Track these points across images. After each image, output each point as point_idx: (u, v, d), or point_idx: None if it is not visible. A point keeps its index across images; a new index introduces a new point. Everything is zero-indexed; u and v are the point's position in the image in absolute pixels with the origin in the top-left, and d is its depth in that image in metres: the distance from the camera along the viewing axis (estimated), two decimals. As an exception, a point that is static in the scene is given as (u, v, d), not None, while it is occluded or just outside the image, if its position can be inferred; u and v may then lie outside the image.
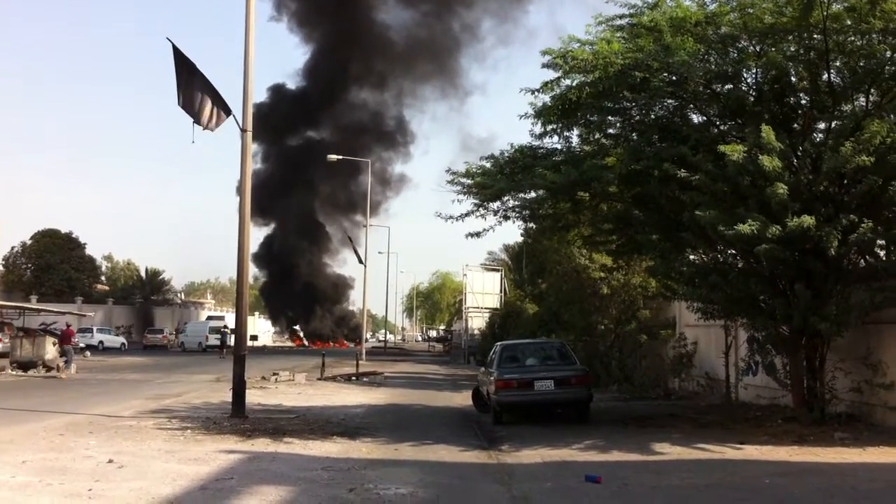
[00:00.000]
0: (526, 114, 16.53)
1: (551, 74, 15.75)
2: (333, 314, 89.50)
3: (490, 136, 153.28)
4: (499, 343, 21.32)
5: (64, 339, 34.43)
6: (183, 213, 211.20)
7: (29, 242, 76.50)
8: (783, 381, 16.03)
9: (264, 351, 62.69)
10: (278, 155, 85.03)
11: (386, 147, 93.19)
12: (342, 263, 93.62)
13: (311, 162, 79.69)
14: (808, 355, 15.13)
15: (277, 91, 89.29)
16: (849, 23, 13.87)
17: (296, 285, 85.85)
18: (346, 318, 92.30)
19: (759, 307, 15.01)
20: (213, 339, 59.94)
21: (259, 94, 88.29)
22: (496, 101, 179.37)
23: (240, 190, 18.07)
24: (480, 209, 17.73)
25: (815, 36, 14.20)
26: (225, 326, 61.02)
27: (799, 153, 14.30)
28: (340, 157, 57.03)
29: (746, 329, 17.92)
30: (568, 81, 15.75)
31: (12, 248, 76.48)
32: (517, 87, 17.03)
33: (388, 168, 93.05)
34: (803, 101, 15.49)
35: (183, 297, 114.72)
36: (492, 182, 16.84)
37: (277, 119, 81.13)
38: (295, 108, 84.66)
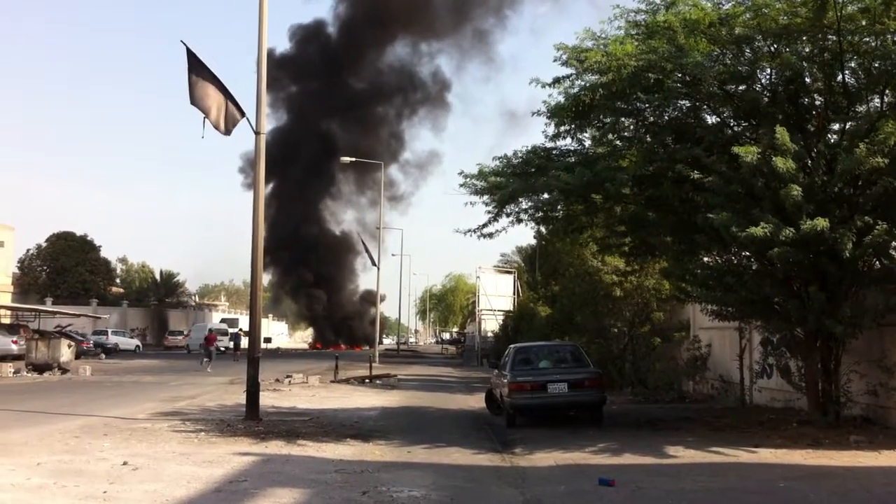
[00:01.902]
0: (539, 112, 16.54)
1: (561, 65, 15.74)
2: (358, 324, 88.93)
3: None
4: (512, 345, 21.29)
5: (208, 341, 40.52)
6: (197, 215, 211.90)
7: (44, 245, 76.92)
8: (798, 383, 15.95)
9: (278, 353, 62.79)
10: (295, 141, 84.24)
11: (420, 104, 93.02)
12: (361, 267, 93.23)
13: (328, 157, 80.00)
14: (822, 358, 15.05)
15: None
16: (863, 23, 13.79)
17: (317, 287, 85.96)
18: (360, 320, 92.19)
19: (773, 309, 14.93)
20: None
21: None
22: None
23: (253, 192, 18.10)
24: (496, 217, 17.72)
25: (830, 37, 14.13)
26: (239, 329, 61.20)
27: (813, 154, 14.22)
28: (353, 159, 57.10)
29: (761, 331, 17.85)
30: (580, 82, 15.74)
31: (28, 250, 76.96)
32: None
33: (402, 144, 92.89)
34: (818, 102, 15.40)
35: (197, 299, 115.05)
36: (505, 183, 16.81)
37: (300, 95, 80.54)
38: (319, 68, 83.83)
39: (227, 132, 17.08)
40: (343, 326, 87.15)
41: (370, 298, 79.11)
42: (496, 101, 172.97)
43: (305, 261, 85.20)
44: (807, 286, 14.09)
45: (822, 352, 15.01)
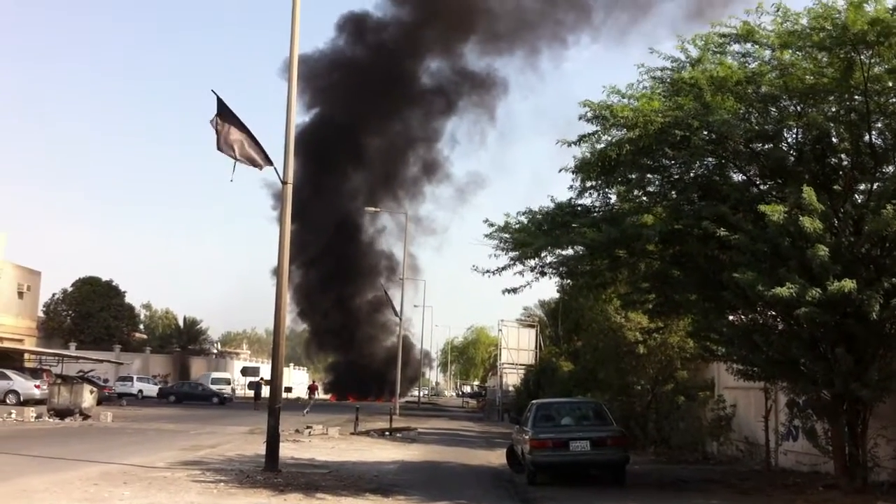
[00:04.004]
0: (566, 167, 16.58)
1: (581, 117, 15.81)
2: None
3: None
4: (534, 401, 21.12)
5: (311, 389, 44.31)
6: (221, 263, 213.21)
7: (70, 290, 77.47)
8: (824, 447, 15.69)
9: (298, 403, 62.60)
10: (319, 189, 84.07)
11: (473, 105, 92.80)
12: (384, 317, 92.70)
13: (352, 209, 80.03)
14: (849, 421, 14.81)
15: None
16: (890, 84, 13.82)
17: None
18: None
19: (799, 371, 14.75)
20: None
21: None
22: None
23: (279, 240, 18.18)
24: (517, 263, 17.64)
25: (857, 97, 14.14)
26: (260, 378, 61.15)
27: (840, 215, 14.15)
28: (377, 209, 57.45)
29: (786, 393, 17.61)
30: (606, 137, 15.81)
31: (53, 294, 77.50)
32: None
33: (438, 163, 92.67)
34: (844, 162, 15.36)
35: (219, 346, 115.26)
36: (531, 240, 16.79)
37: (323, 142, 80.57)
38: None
39: (259, 167, 17.34)
40: (366, 378, 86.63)
41: (394, 350, 78.73)
42: (524, 154, 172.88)
43: (333, 309, 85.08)
44: (833, 348, 13.93)
45: (849, 415, 14.77)
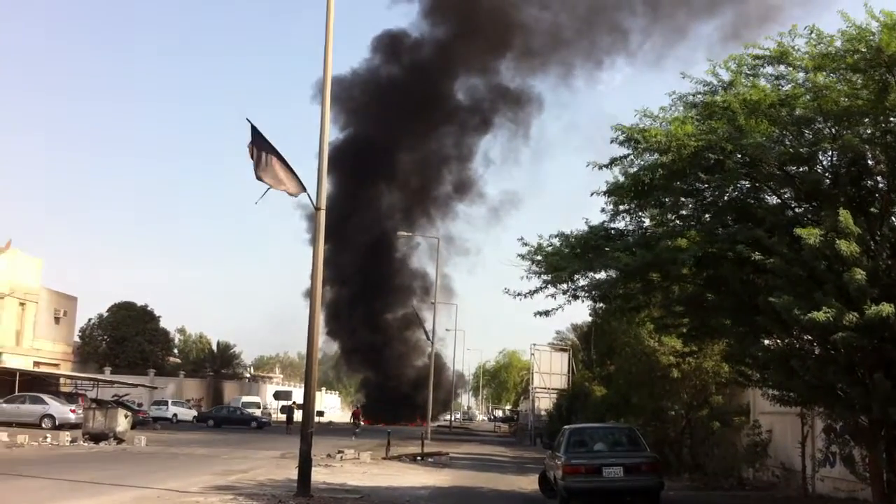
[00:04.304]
0: (598, 191, 16.54)
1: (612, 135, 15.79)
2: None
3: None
4: (567, 426, 20.95)
5: (355, 415, 47.50)
6: (254, 286, 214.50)
7: (106, 314, 78.20)
8: (862, 474, 15.44)
9: (330, 427, 62.61)
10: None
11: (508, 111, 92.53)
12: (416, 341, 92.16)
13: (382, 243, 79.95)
14: (888, 447, 14.55)
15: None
16: (926, 106, 13.65)
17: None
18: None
19: (836, 396, 14.52)
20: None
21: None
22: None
23: (312, 266, 18.25)
24: (549, 286, 17.55)
25: (892, 119, 13.99)
26: (292, 402, 61.30)
27: (877, 238, 13.97)
28: (409, 234, 57.54)
29: (823, 418, 17.36)
30: (639, 161, 15.77)
31: (89, 319, 78.25)
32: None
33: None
34: (881, 185, 15.16)
35: (252, 370, 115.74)
36: (564, 263, 16.72)
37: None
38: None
39: (294, 195, 17.52)
40: (397, 401, 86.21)
41: (425, 371, 78.25)
42: (559, 172, 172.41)
43: (364, 326, 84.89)
44: (871, 373, 13.70)
45: (888, 441, 14.51)
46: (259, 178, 17.22)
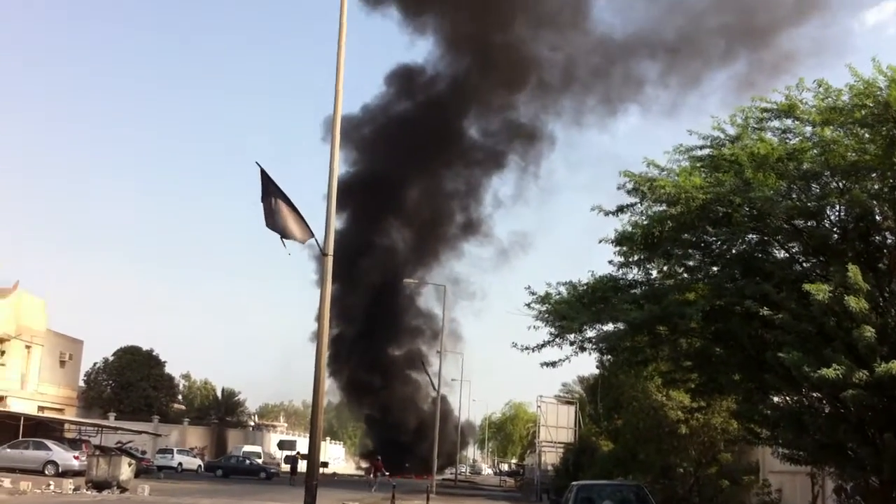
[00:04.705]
0: (606, 238, 16.50)
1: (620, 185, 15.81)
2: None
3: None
4: (574, 483, 20.70)
5: (375, 468, 47.75)
6: (260, 331, 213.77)
7: (111, 359, 78.03)
8: (874, 534, 15.12)
9: (335, 479, 61.98)
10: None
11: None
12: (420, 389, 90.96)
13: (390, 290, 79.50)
14: (899, 508, 14.28)
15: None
16: (933, 161, 13.63)
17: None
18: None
19: (847, 455, 14.32)
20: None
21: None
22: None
23: (319, 312, 18.14)
24: (557, 339, 17.43)
25: (901, 175, 13.97)
26: (297, 452, 60.77)
27: (886, 294, 13.88)
28: (415, 280, 57.45)
29: (834, 478, 17.09)
30: (644, 207, 15.76)
31: (94, 364, 78.03)
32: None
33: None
34: (889, 241, 15.11)
35: (256, 419, 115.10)
36: (573, 314, 16.63)
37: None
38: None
39: (302, 242, 17.47)
40: (402, 449, 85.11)
41: (429, 417, 77.23)
42: (569, 212, 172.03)
43: (369, 366, 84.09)
44: (882, 433, 13.51)
45: (899, 502, 14.25)
46: (269, 227, 17.19)
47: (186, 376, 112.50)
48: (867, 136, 14.15)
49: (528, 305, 17.57)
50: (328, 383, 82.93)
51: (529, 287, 17.68)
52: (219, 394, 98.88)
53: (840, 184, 14.72)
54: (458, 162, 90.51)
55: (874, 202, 14.34)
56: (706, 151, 15.84)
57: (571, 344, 17.62)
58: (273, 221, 17.34)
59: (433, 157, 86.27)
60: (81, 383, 73.86)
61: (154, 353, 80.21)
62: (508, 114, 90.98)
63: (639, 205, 15.74)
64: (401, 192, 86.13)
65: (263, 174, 17.46)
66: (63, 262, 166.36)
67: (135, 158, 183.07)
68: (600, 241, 16.55)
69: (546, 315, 17.39)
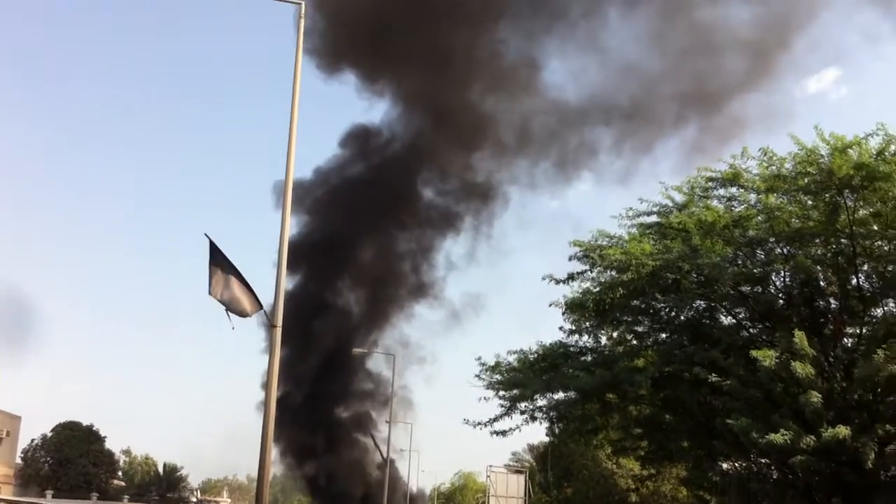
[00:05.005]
0: (556, 303, 16.51)
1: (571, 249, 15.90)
2: None
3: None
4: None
5: None
6: (202, 406, 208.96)
7: (49, 435, 75.76)
8: None
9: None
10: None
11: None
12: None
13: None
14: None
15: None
16: (875, 228, 13.98)
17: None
18: None
19: (797, 521, 14.32)
20: None
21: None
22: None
23: (266, 385, 17.82)
24: (510, 412, 17.36)
25: (843, 240, 14.28)
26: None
27: (831, 359, 14.07)
28: (365, 350, 56.85)
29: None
30: (595, 274, 15.86)
31: (32, 440, 75.63)
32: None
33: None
34: (833, 305, 15.37)
35: (199, 494, 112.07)
36: (524, 382, 16.58)
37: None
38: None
39: (251, 314, 17.15)
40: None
41: (379, 493, 75.08)
42: (521, 273, 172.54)
43: (315, 448, 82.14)
44: (829, 498, 13.57)
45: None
46: (216, 297, 16.90)
47: (127, 451, 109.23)
48: (810, 202, 14.47)
49: (478, 376, 17.54)
50: (273, 452, 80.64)
51: (480, 358, 17.67)
52: (160, 469, 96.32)
53: (785, 250, 15.00)
54: (412, 222, 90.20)
55: (818, 268, 14.63)
56: (653, 219, 16.04)
57: (522, 413, 17.54)
58: (219, 292, 17.06)
59: (386, 217, 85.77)
60: (18, 460, 71.52)
61: (94, 428, 77.99)
62: (464, 173, 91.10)
63: (589, 272, 15.84)
64: (353, 253, 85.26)
65: (212, 245, 17.23)
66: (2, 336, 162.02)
67: (75, 222, 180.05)
68: (550, 305, 16.61)
69: (497, 385, 17.33)
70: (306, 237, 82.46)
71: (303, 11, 14.72)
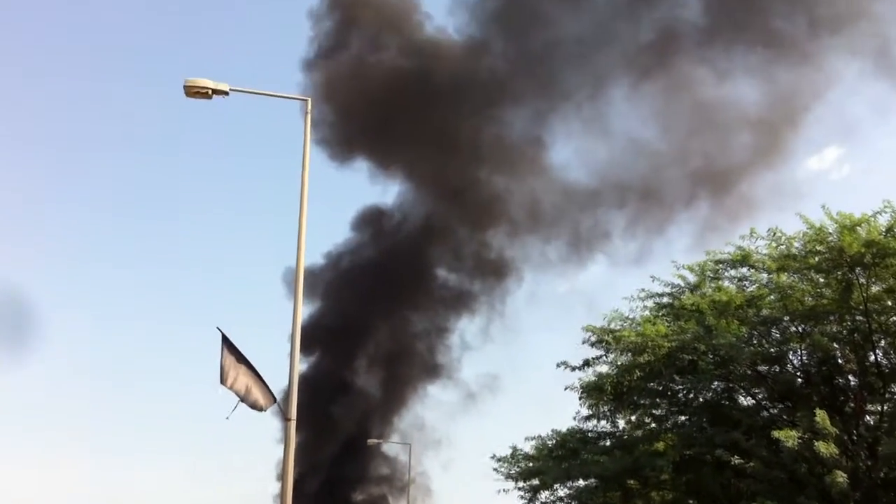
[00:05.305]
0: (571, 387, 16.38)
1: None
2: None
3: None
4: None
5: None
6: (217, 497, 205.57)
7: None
8: None
9: None
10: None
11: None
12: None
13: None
14: None
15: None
16: (889, 304, 13.93)
17: None
18: None
19: None
20: None
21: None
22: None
23: (282, 481, 17.61)
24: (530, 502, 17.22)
25: (858, 317, 14.20)
26: None
27: (854, 437, 13.86)
28: (380, 441, 56.07)
29: None
30: (611, 358, 15.77)
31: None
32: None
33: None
34: (852, 383, 15.21)
35: None
36: (543, 470, 16.41)
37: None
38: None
39: (264, 408, 17.04)
40: None
41: None
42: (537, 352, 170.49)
43: None
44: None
45: None
46: (228, 387, 16.83)
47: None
48: (822, 280, 14.44)
49: (496, 470, 17.49)
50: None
51: (494, 455, 17.64)
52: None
53: (800, 328, 14.92)
54: (425, 302, 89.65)
55: (835, 345, 14.53)
56: (666, 300, 16.03)
57: (543, 504, 17.36)
58: (230, 385, 16.98)
59: (400, 298, 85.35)
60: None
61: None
62: (476, 250, 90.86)
63: (605, 356, 15.77)
64: (368, 335, 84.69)
65: (224, 339, 17.23)
66: None
67: (77, 322, 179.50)
68: (566, 389, 16.48)
69: (516, 475, 17.23)
70: (319, 320, 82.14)
71: (309, 107, 15.04)
